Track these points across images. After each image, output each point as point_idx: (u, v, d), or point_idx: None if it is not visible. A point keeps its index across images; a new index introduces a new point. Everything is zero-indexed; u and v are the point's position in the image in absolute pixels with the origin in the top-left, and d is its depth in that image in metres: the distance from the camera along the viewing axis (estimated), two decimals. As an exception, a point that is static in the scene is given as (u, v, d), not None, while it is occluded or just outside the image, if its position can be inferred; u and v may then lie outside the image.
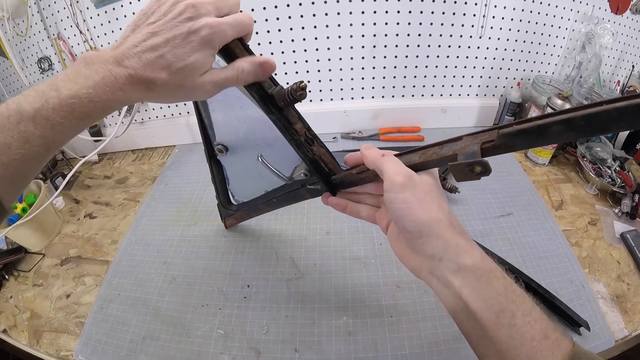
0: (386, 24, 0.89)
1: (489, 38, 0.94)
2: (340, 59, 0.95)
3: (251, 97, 0.39)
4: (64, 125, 0.30)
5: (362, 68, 0.97)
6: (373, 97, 1.03)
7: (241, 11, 0.35)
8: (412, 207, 0.34)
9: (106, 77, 0.30)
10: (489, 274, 0.32)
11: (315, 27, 0.89)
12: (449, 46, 0.94)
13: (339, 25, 0.89)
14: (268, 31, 0.89)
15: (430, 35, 0.92)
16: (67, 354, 0.59)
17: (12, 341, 0.63)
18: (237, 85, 0.37)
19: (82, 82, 0.30)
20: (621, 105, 0.24)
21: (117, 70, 0.30)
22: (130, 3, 0.87)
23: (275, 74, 0.98)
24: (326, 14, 0.87)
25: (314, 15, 0.87)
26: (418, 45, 0.94)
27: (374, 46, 0.93)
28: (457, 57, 0.97)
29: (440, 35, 0.92)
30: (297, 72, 0.96)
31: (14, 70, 0.90)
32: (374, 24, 0.89)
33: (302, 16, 0.87)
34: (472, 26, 0.91)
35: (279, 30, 0.89)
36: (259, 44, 0.91)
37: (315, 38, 0.91)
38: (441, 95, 1.04)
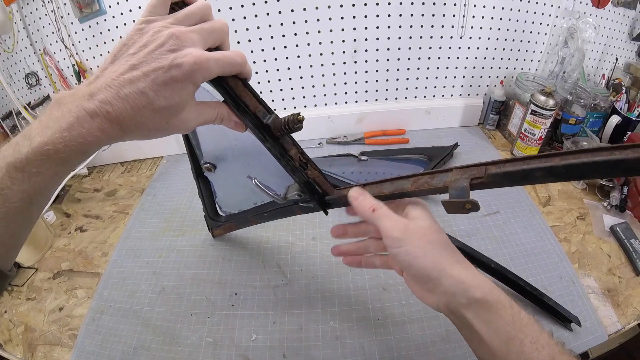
0: (366, 28, 0.90)
1: (470, 38, 0.94)
2: (322, 64, 0.96)
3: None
4: (42, 175, 0.27)
5: (344, 73, 0.98)
6: (357, 101, 1.04)
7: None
8: (416, 257, 0.35)
9: (81, 117, 0.27)
10: (498, 305, 0.34)
11: (295, 34, 0.90)
12: (430, 48, 0.95)
13: (318, 31, 0.90)
14: (249, 40, 0.90)
15: (410, 37, 0.93)
16: (61, 366, 0.60)
17: (7, 355, 0.63)
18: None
19: (55, 126, 0.27)
20: (599, 160, 0.27)
21: (92, 107, 0.27)
22: (114, 17, 0.88)
23: (258, 83, 0.99)
24: (306, 21, 0.88)
25: (293, 22, 0.88)
26: (399, 48, 0.95)
27: (355, 51, 0.94)
28: (439, 58, 0.97)
29: (421, 37, 0.93)
30: (279, 80, 0.97)
31: (2, 87, 0.91)
32: (354, 28, 0.90)
33: (282, 24, 0.88)
34: (452, 27, 0.92)
35: (260, 39, 0.90)
36: (241, 52, 0.92)
37: (296, 45, 0.92)
38: (424, 96, 1.05)
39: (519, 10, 0.92)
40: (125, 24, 0.89)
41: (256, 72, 0.95)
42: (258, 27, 0.88)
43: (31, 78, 0.97)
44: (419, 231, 0.36)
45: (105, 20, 0.88)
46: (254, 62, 0.94)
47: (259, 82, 0.97)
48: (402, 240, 0.35)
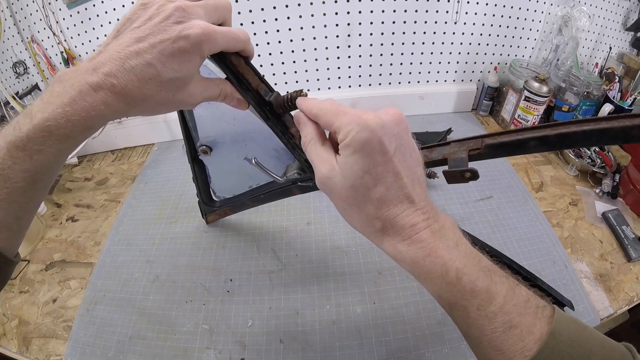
0: (360, 12, 0.89)
1: (464, 23, 0.94)
2: (315, 49, 0.95)
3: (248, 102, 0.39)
4: (44, 152, 0.27)
5: (338, 58, 0.97)
6: (350, 86, 1.04)
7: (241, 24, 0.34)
8: (342, 213, 0.32)
9: (84, 91, 0.26)
10: (430, 274, 0.29)
11: (288, 17, 0.89)
12: (424, 32, 0.95)
13: (312, 15, 0.89)
14: (241, 24, 0.88)
15: (404, 22, 0.92)
16: (57, 358, 0.59)
17: (2, 350, 0.62)
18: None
19: (57, 101, 0.26)
20: (587, 129, 0.30)
21: (96, 80, 0.27)
22: (102, 2, 0.86)
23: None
24: (299, 5, 0.87)
25: (286, 6, 0.87)
26: (393, 33, 0.94)
27: (349, 35, 0.93)
28: (433, 43, 0.97)
29: (415, 22, 0.92)
30: (272, 64, 0.96)
31: (-11, 76, 0.89)
32: (348, 12, 0.89)
33: (274, 7, 0.87)
34: (447, 12, 0.91)
35: (252, 22, 0.89)
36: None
37: (289, 29, 0.90)
38: (418, 82, 1.05)
39: (513, -3, 0.92)
40: (114, 9, 0.87)
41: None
42: (250, 11, 0.87)
43: (19, 67, 0.95)
44: (337, 189, 0.30)
45: (94, 5, 0.86)
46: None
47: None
48: (325, 189, 0.31)
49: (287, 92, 0.36)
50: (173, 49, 0.28)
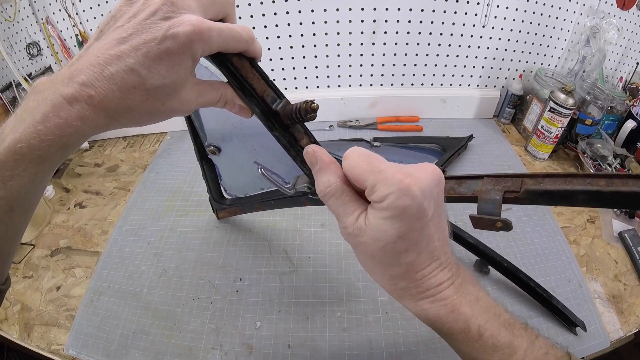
0: (387, 9, 0.87)
1: (492, 28, 0.92)
2: (338, 44, 0.92)
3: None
4: (19, 177, 0.24)
5: (361, 55, 0.95)
6: (371, 85, 1.01)
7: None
8: (365, 269, 0.32)
9: (57, 105, 0.23)
10: (451, 330, 0.30)
11: (312, 10, 0.86)
12: (451, 34, 0.92)
13: (337, 9, 0.86)
14: (263, 14, 0.86)
15: (432, 22, 0.90)
16: (58, 347, 0.58)
17: (3, 334, 0.62)
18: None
19: (29, 119, 0.23)
20: None
21: (71, 92, 0.23)
22: (119, -15, 0.84)
23: (270, 60, 0.95)
24: (324, -2, 0.85)
25: (311, -1, 0.84)
26: (419, 33, 0.92)
27: (374, 32, 0.90)
28: (459, 45, 0.95)
29: (443, 22, 0.90)
30: (292, 58, 0.94)
31: (2, 57, 0.87)
32: (374, 9, 0.87)
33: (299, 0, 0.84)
34: (476, 15, 0.89)
35: (275, 13, 0.86)
36: (254, 27, 0.88)
37: (313, 22, 0.88)
38: (441, 84, 1.02)
39: (544, 5, 0.89)
40: (131, -7, 0.85)
41: (268, 49, 0.92)
42: (273, 2, 0.85)
43: (32, 48, 0.93)
44: (364, 245, 0.29)
45: (110, -12, 0.84)
46: (267, 38, 0.90)
47: (270, 59, 0.94)
48: (349, 242, 0.31)
49: (306, 102, 0.32)
50: (159, 50, 0.24)
